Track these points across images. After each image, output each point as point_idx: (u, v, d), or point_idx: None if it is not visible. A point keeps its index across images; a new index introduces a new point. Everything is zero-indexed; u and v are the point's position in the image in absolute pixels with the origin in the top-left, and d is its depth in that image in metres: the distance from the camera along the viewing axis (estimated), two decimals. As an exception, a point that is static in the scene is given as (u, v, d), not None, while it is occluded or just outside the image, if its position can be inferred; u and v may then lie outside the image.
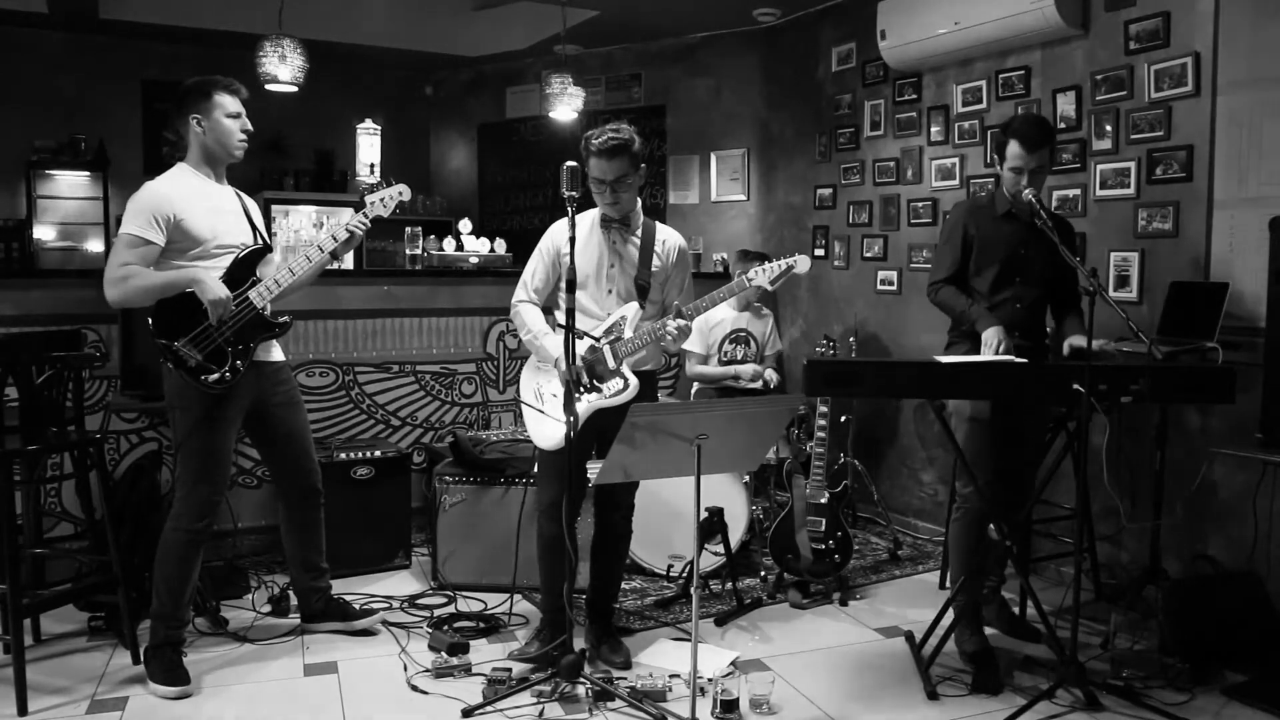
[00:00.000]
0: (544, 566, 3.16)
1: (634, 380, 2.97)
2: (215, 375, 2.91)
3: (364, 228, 3.16)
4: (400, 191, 3.24)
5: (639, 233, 3.08)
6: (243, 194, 3.17)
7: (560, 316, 3.11)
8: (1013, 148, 3.10)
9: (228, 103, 2.98)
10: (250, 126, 3.05)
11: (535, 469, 3.25)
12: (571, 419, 2.76)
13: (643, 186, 3.25)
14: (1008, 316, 3.18)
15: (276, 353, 3.16)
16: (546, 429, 3.06)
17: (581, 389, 3.00)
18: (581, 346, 3.03)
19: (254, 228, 3.10)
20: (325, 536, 3.37)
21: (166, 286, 2.86)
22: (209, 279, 2.86)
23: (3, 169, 6.57)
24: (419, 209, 6.89)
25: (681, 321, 2.92)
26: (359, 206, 3.20)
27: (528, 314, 3.13)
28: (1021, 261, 3.20)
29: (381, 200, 3.20)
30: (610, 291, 3.08)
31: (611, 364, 3.00)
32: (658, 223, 3.16)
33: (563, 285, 3.00)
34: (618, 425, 2.46)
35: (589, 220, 3.12)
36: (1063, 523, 3.75)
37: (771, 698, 2.85)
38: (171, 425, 3.02)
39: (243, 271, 2.99)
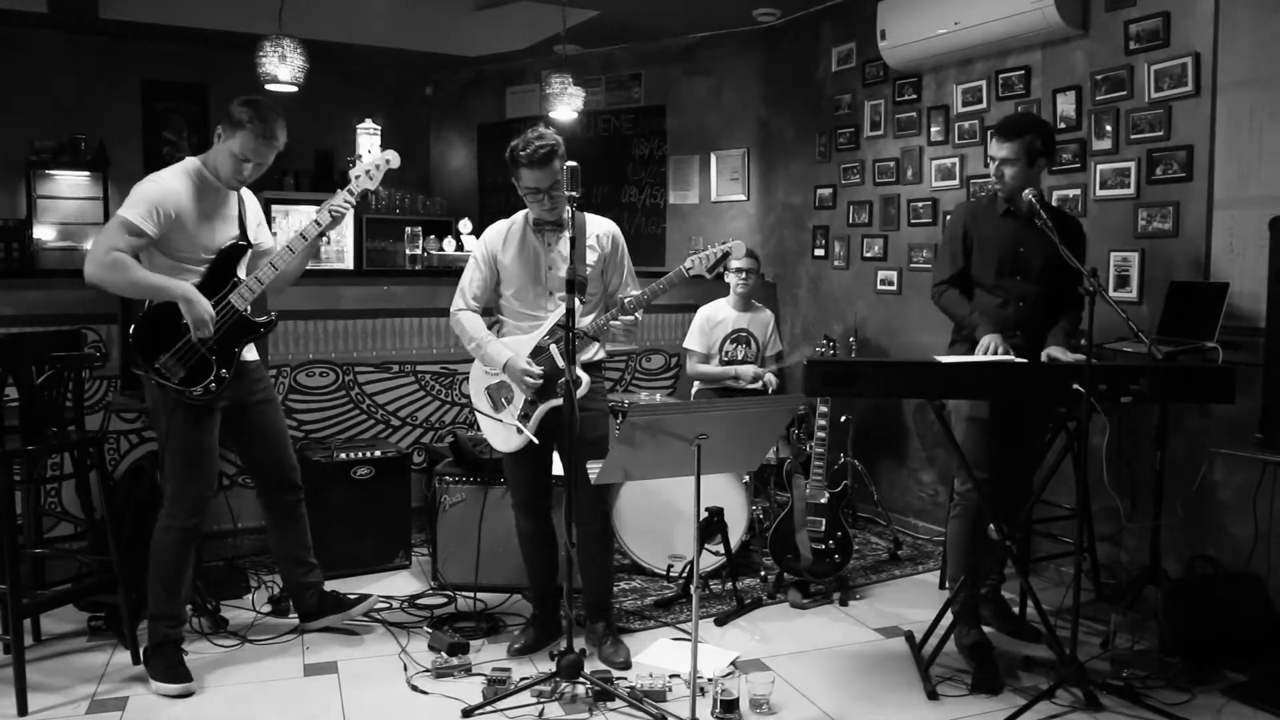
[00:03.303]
0: (525, 561, 3.31)
1: (585, 378, 2.99)
2: (199, 388, 2.90)
3: (349, 208, 3.07)
4: (387, 159, 3.10)
5: (569, 230, 3.06)
6: (246, 192, 3.13)
7: (505, 319, 3.21)
8: (991, 142, 3.21)
9: (245, 146, 2.89)
10: (252, 176, 2.97)
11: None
12: (573, 418, 2.77)
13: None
14: (1011, 315, 3.18)
15: (251, 352, 3.13)
16: (503, 434, 3.13)
17: (536, 397, 3.07)
18: (527, 346, 3.07)
19: (243, 228, 3.06)
20: (325, 536, 3.38)
21: (155, 290, 2.84)
22: (197, 297, 2.84)
23: (3, 169, 6.58)
24: (419, 209, 6.90)
25: (627, 317, 3.02)
26: (343, 183, 3.13)
27: (468, 321, 3.16)
28: (1021, 260, 3.21)
29: (367, 173, 3.08)
30: (551, 293, 3.10)
31: (560, 364, 3.01)
32: (587, 214, 3.17)
33: (503, 290, 3.16)
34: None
35: (518, 225, 3.15)
36: (1063, 523, 3.75)
37: (771, 698, 2.85)
38: (155, 428, 3.02)
39: (223, 272, 2.97)
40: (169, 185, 2.89)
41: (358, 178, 3.09)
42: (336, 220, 3.06)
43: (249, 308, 3.00)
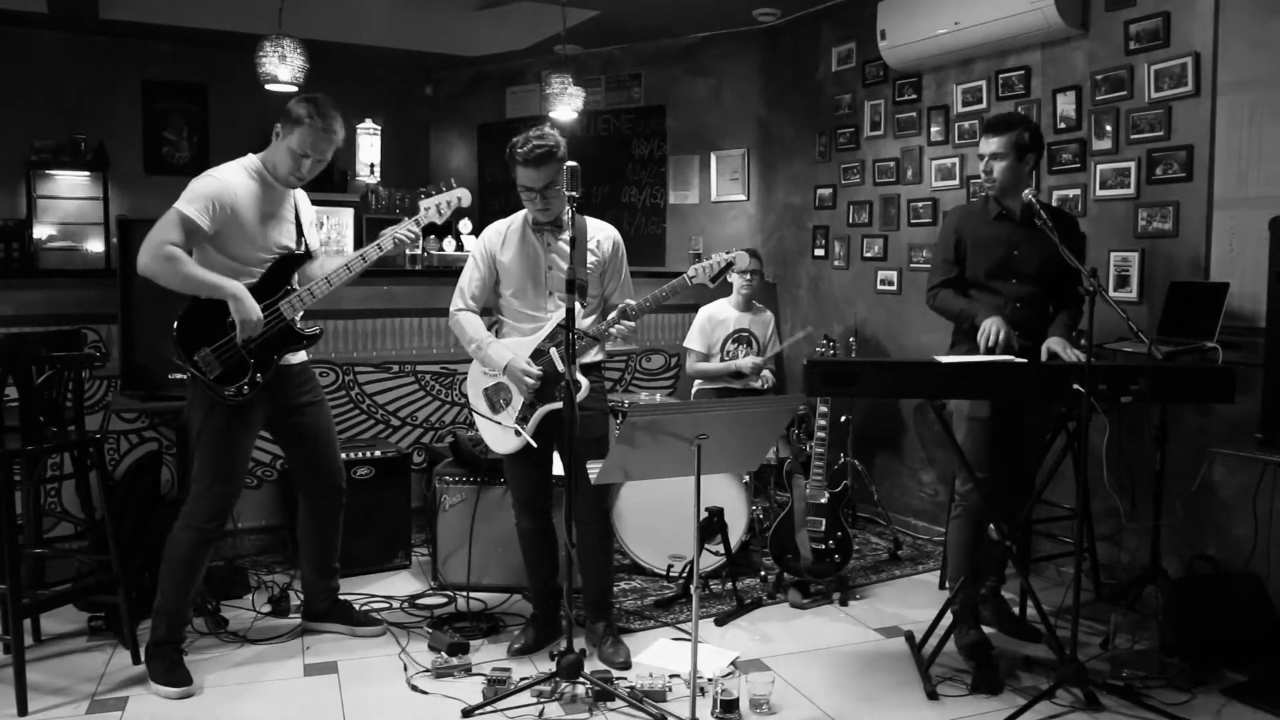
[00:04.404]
0: (526, 560, 3.31)
1: (585, 382, 2.98)
2: (233, 389, 2.89)
3: (413, 237, 3.07)
4: (459, 197, 3.14)
5: (569, 232, 3.06)
6: (300, 194, 3.13)
7: (504, 319, 3.20)
8: (980, 140, 3.22)
9: (303, 142, 2.88)
10: (311, 174, 2.96)
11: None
12: (573, 418, 2.77)
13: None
14: (1008, 317, 3.18)
15: (298, 355, 3.13)
16: (502, 435, 3.12)
17: (535, 400, 3.07)
18: (526, 348, 3.07)
19: (300, 233, 3.06)
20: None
21: (207, 287, 2.83)
22: (247, 298, 2.84)
23: (3, 169, 6.58)
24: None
25: (629, 323, 3.02)
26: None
27: (467, 322, 3.15)
28: (1016, 261, 3.21)
29: (437, 207, 3.11)
30: (551, 294, 3.10)
31: (560, 367, 3.01)
32: (588, 218, 3.17)
33: (502, 290, 3.15)
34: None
35: (517, 225, 3.14)
36: (1063, 523, 3.75)
37: (771, 698, 2.85)
38: (190, 424, 3.02)
39: (278, 278, 2.97)
40: (227, 181, 2.88)
41: (426, 210, 3.12)
42: (399, 247, 3.07)
43: (297, 317, 3.00)
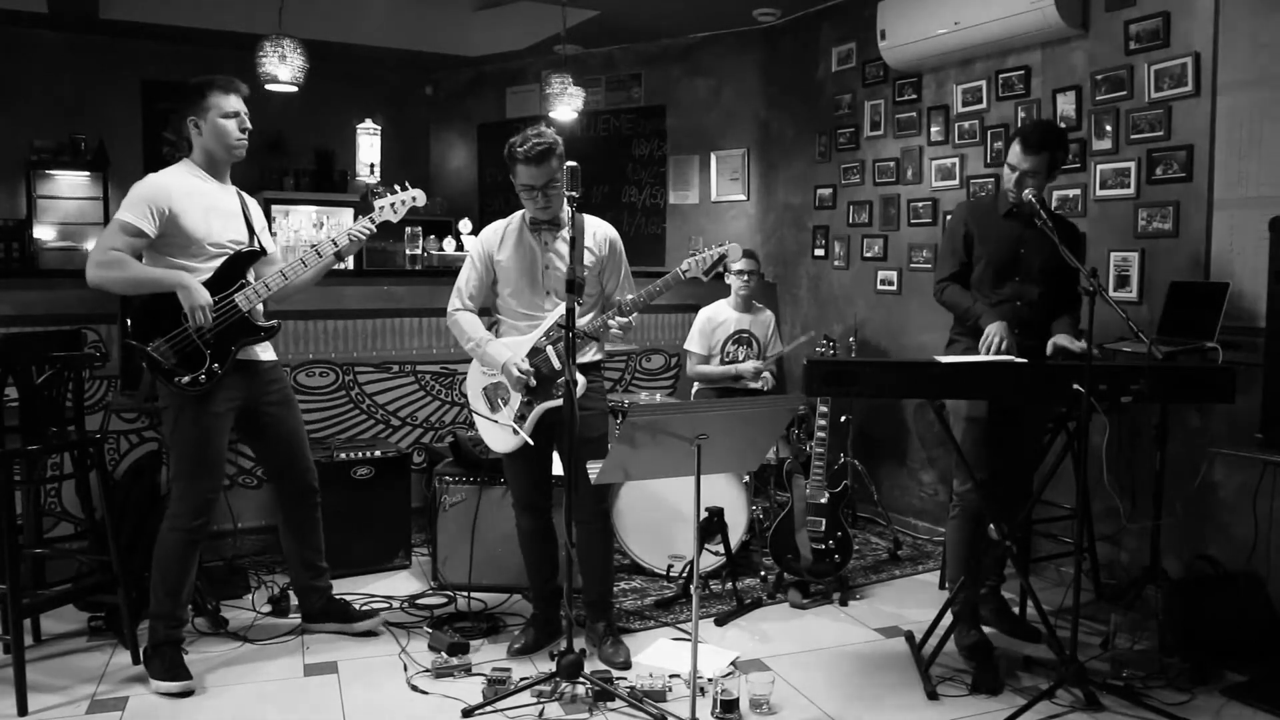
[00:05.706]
0: (526, 560, 3.31)
1: (582, 379, 2.97)
2: (188, 379, 2.89)
3: (368, 233, 3.11)
4: (414, 197, 3.19)
5: (567, 230, 3.07)
6: (245, 195, 3.16)
7: (503, 319, 3.21)
8: (1014, 146, 3.15)
9: (222, 103, 2.95)
10: (248, 125, 3.01)
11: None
12: (573, 418, 2.76)
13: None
14: (1010, 315, 3.18)
15: (267, 352, 3.14)
16: (500, 434, 3.12)
17: (532, 398, 3.07)
18: (525, 346, 3.07)
19: (251, 230, 3.08)
20: (326, 536, 3.37)
21: (151, 284, 2.86)
22: (194, 285, 2.85)
23: (3, 169, 6.58)
24: (419, 209, 6.91)
25: (623, 319, 3.02)
26: (365, 209, 3.18)
27: (466, 322, 3.16)
28: (1022, 260, 3.21)
29: (392, 205, 3.16)
30: (548, 293, 3.11)
31: (557, 365, 3.01)
32: (586, 215, 3.16)
33: (500, 290, 3.15)
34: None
35: (515, 225, 3.15)
36: (1063, 523, 3.75)
37: (771, 698, 2.85)
38: (164, 424, 3.02)
39: (233, 273, 2.97)
40: (161, 182, 2.91)
41: (382, 209, 3.16)
42: (354, 245, 3.10)
43: (255, 309, 3.01)
